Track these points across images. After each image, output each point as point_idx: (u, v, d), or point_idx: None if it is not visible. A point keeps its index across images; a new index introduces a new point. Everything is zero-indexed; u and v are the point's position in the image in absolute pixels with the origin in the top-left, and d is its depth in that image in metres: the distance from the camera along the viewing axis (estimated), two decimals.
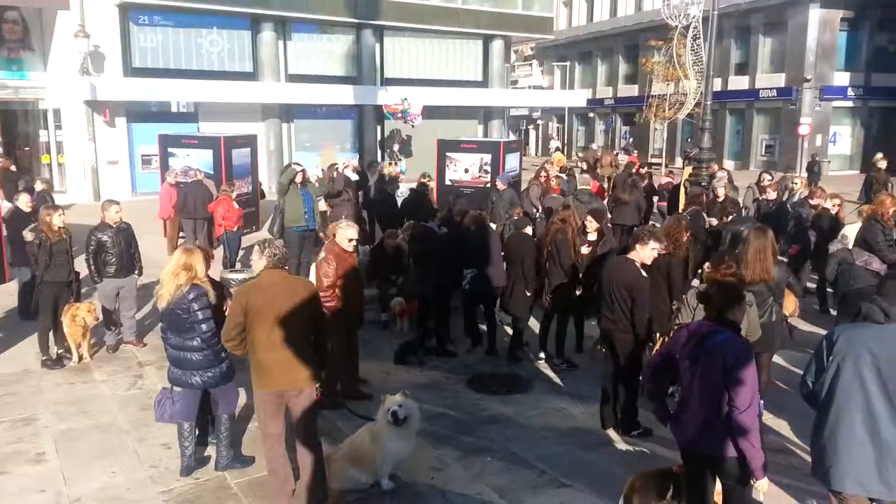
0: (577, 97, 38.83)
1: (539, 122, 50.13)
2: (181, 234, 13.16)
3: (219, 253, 11.28)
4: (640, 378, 5.85)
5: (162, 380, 6.27)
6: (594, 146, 31.43)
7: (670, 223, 7.57)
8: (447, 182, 15.47)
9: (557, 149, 35.69)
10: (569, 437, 5.98)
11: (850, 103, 33.61)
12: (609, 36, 42.35)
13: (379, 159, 27.42)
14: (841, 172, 32.10)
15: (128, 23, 22.17)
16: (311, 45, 26.49)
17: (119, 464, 5.46)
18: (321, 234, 10.18)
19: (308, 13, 24.83)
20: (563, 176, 14.13)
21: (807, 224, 9.91)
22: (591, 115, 45.52)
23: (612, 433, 6.00)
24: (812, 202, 10.37)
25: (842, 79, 32.79)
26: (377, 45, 27.63)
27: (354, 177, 12.52)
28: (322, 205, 11.66)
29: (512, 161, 15.92)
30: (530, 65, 49.45)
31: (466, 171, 15.42)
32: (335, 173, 12.04)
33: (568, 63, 45.61)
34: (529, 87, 45.60)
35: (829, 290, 8.90)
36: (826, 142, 32.89)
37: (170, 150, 15.56)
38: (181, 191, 12.93)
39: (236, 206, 11.82)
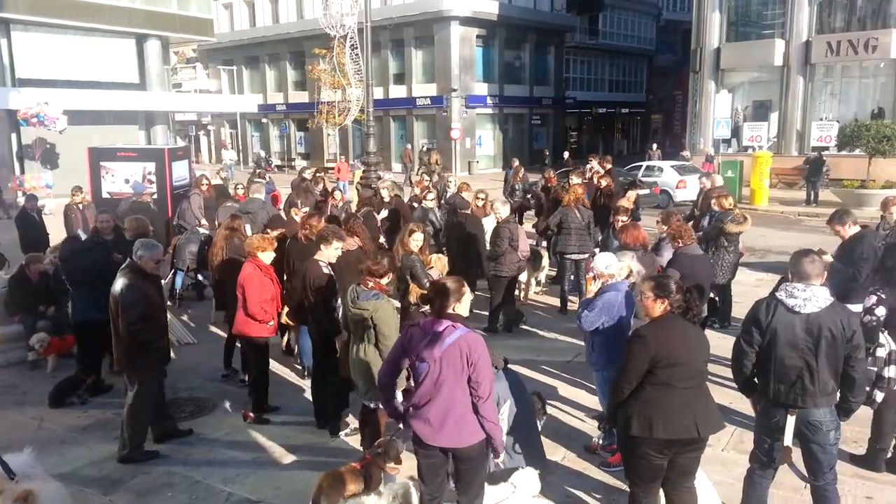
0: (248, 102, 38.09)
1: (210, 127, 48.00)
2: None
3: None
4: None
5: None
6: (432, 149, 32.30)
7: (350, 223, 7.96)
8: (105, 195, 13.92)
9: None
10: (257, 453, 5.84)
11: (489, 110, 38.60)
12: (274, 41, 42.30)
13: (18, 172, 23.71)
14: (487, 171, 36.66)
15: None
16: None
17: None
18: None
19: None
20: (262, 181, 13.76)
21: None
22: (265, 120, 45.06)
23: (302, 439, 6.02)
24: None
25: (481, 89, 37.46)
26: (4, 41, 23.75)
27: None
28: None
29: (180, 169, 14.94)
30: (194, 67, 46.99)
31: (127, 181, 14.06)
32: None
33: (235, 67, 44.44)
34: (196, 91, 43.35)
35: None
36: (474, 144, 37.28)
37: None
38: None
39: None
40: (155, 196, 13.17)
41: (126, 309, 5.48)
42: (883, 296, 4.92)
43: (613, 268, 5.34)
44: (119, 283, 5.59)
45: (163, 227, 11.96)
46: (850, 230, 6.62)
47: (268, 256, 6.39)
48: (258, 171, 20.81)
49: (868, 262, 6.47)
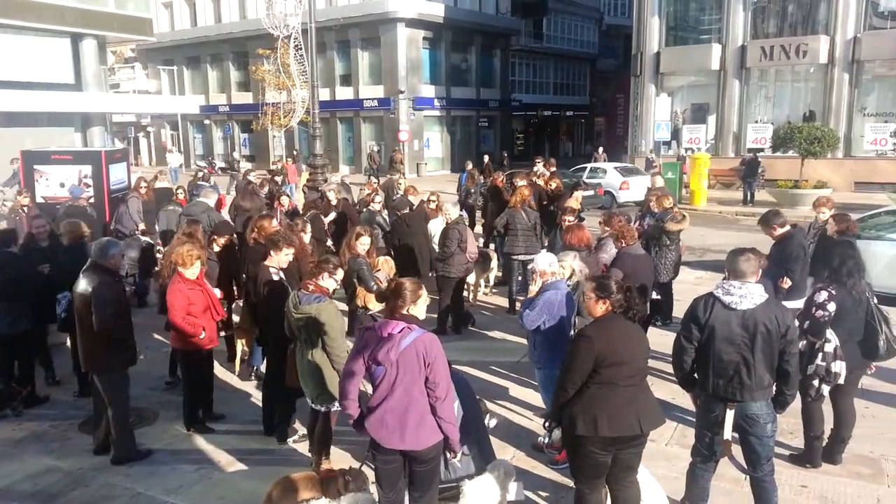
0: (190, 103, 37.23)
1: (150, 129, 46.72)
2: None
3: None
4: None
5: None
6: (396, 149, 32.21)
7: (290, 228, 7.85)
8: (39, 199, 13.39)
9: None
10: (201, 463, 5.70)
11: (437, 112, 38.71)
12: (216, 41, 41.48)
13: None
14: (436, 172, 36.74)
15: None
16: None
17: None
18: None
19: None
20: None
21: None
22: (207, 121, 44.12)
23: (248, 447, 5.91)
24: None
25: (429, 91, 37.52)
26: None
27: None
28: None
29: (118, 172, 14.51)
30: (132, 67, 45.66)
31: (62, 185, 13.57)
32: None
33: (175, 67, 43.39)
34: (134, 92, 42.11)
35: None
36: (422, 146, 37.31)
37: None
38: None
39: None
40: (92, 200, 12.76)
41: (100, 306, 5.40)
42: (833, 292, 5.05)
43: (554, 266, 5.46)
44: (86, 282, 5.49)
45: (100, 231, 11.58)
46: (780, 231, 6.88)
47: (190, 273, 6.06)
48: (200, 173, 20.22)
49: (798, 261, 6.73)
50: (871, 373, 5.57)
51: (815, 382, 4.96)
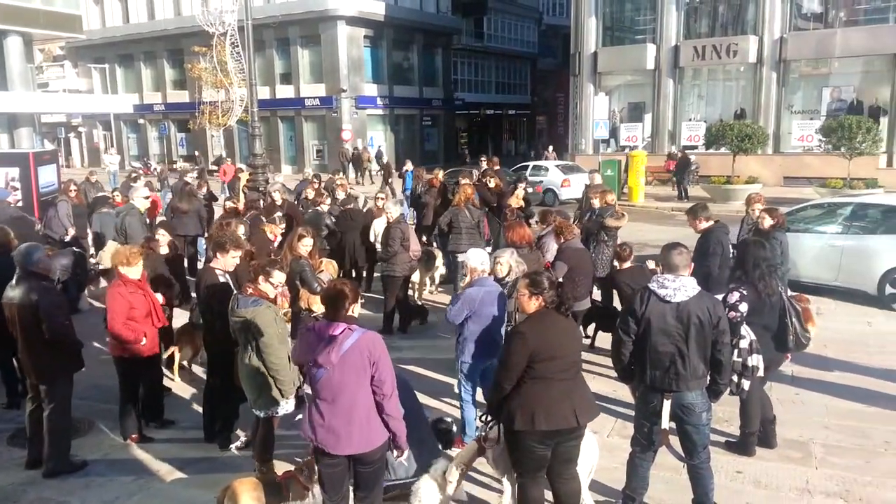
0: (123, 102, 36.08)
1: (81, 129, 45.02)
2: None
3: None
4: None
5: None
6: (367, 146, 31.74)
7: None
8: None
9: None
10: (139, 473, 5.54)
11: (380, 111, 38.51)
12: (150, 39, 40.30)
13: None
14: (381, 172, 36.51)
15: None
16: None
17: None
18: None
19: None
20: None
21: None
22: (142, 121, 42.82)
23: (188, 455, 5.77)
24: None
25: (371, 90, 37.29)
26: None
27: None
28: None
29: (47, 174, 13.95)
30: (62, 66, 43.89)
31: None
32: None
33: (107, 65, 41.94)
34: (64, 91, 40.48)
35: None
36: (366, 145, 37.04)
37: None
38: None
39: None
40: (20, 203, 12.24)
41: (52, 313, 5.25)
42: (745, 292, 5.18)
43: (485, 264, 5.58)
44: (25, 291, 5.26)
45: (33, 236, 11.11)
46: (703, 225, 7.08)
47: (133, 271, 5.86)
48: (133, 174, 19.55)
49: (716, 257, 6.90)
50: (788, 360, 5.83)
51: (735, 378, 5.08)
